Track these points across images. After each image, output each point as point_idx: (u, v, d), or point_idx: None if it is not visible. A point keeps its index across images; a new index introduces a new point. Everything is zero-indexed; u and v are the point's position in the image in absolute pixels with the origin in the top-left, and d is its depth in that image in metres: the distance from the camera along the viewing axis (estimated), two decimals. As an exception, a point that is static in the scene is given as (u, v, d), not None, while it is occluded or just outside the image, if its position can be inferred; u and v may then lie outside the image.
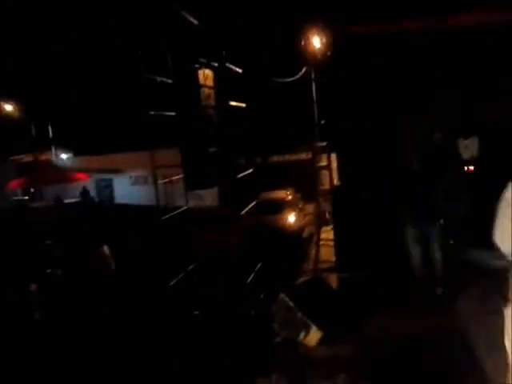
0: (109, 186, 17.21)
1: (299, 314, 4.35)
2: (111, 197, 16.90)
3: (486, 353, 2.67)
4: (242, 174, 7.28)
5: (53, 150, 17.35)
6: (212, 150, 6.26)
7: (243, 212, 7.32)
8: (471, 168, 5.88)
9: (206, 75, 6.04)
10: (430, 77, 5.85)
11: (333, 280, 5.67)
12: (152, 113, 5.85)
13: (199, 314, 5.37)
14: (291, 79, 6.50)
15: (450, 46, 5.65)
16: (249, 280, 6.24)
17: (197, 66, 5.88)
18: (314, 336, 4.24)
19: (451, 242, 5.11)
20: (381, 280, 5.41)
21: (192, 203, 6.57)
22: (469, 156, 5.84)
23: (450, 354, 3.90)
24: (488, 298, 2.95)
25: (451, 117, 5.87)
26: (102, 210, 13.53)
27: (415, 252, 5.07)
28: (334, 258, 6.15)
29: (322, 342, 4.21)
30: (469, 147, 5.94)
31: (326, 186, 7.16)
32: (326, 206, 7.54)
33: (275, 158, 10.72)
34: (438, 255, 5.01)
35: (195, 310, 5.43)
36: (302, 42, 6.28)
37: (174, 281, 5.82)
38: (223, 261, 7.20)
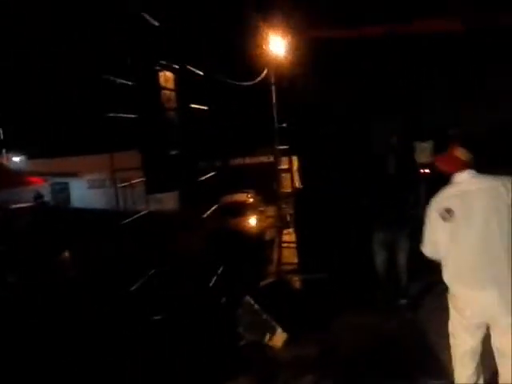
0: (64, 189, 16.72)
1: (264, 317, 4.37)
2: (67, 201, 16.42)
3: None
4: (203, 177, 7.24)
5: (3, 152, 16.71)
6: (173, 152, 6.19)
7: (204, 215, 7.27)
8: (427, 171, 6.09)
9: (166, 77, 5.97)
10: (389, 81, 6.03)
11: (296, 282, 5.73)
12: (111, 115, 5.74)
13: (161, 319, 5.29)
14: (252, 82, 6.52)
15: (408, 51, 5.84)
16: (211, 284, 6.20)
17: (157, 68, 5.81)
18: (279, 338, 4.27)
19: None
20: (343, 281, 5.51)
21: (152, 207, 6.49)
22: (425, 159, 6.05)
23: (412, 353, 4.04)
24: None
25: (408, 121, 6.07)
26: (57, 215, 13.12)
27: (380, 257, 4.99)
28: (296, 260, 6.21)
29: (287, 343, 4.25)
30: (425, 151, 6.14)
31: (287, 189, 7.23)
32: (287, 209, 7.61)
33: (236, 161, 10.74)
34: (403, 262, 4.95)
35: (157, 315, 5.35)
36: (263, 46, 6.32)
37: (135, 286, 5.72)
38: (185, 265, 7.14)
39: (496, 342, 2.91)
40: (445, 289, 3.23)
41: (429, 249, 3.05)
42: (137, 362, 4.25)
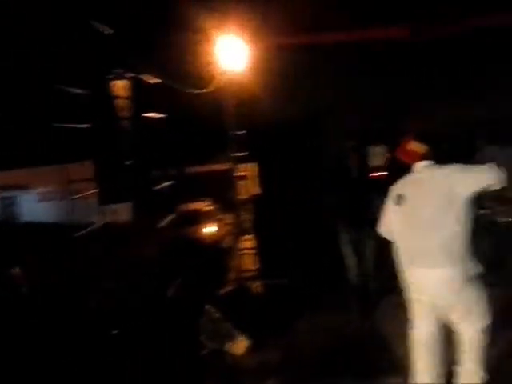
0: (12, 203, 16.02)
1: (226, 324, 4.35)
2: (15, 215, 15.73)
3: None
4: (158, 187, 7.15)
5: None
6: (127, 162, 6.09)
7: (161, 226, 7.18)
8: (381, 174, 6.26)
9: (120, 86, 5.88)
10: (344, 86, 6.18)
11: (257, 288, 5.73)
12: (63, 125, 5.59)
13: (118, 333, 5.16)
14: (208, 90, 6.52)
15: (365, 57, 6.01)
16: (170, 294, 6.11)
17: (110, 76, 5.72)
18: (241, 345, 4.25)
19: None
20: (303, 286, 5.58)
21: (107, 218, 6.34)
22: (377, 163, 6.22)
23: (372, 353, 4.12)
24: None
25: (363, 124, 6.24)
26: (4, 230, 12.56)
27: (352, 259, 5.03)
28: (256, 266, 6.22)
29: (250, 349, 4.24)
30: (377, 154, 6.33)
31: (245, 196, 7.23)
32: (246, 215, 7.61)
33: (192, 169, 10.63)
34: (369, 263, 5.03)
35: (114, 330, 5.21)
36: (218, 52, 6.32)
37: (91, 300, 5.56)
38: (141, 276, 6.99)
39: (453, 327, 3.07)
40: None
41: (383, 229, 3.32)
42: (96, 377, 4.12)
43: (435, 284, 2.99)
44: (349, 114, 6.20)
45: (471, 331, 3.03)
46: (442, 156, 3.12)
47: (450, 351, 3.16)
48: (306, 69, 6.11)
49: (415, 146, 3.17)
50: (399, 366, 3.74)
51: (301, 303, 5.21)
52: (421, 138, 3.16)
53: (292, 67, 6.12)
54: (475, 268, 2.98)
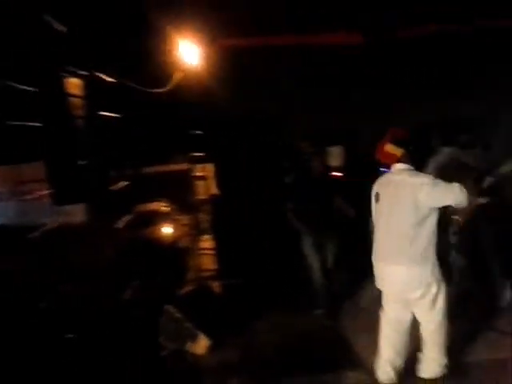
0: (-44, 205, 15.28)
1: (186, 324, 4.34)
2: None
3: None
4: (114, 187, 7.01)
5: None
6: (81, 162, 5.93)
7: (117, 226, 7.04)
8: (338, 174, 6.40)
9: (74, 84, 5.72)
10: (301, 87, 6.27)
11: (216, 288, 5.74)
12: (12, 123, 5.38)
13: (74, 337, 5.03)
14: (164, 89, 6.46)
15: (323, 60, 6.12)
16: (127, 296, 6.01)
17: (64, 74, 5.55)
18: (202, 344, 4.26)
19: None
20: (261, 284, 5.63)
21: (60, 220, 6.15)
22: (336, 163, 6.35)
23: (332, 350, 4.23)
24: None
25: (320, 125, 6.35)
26: None
27: (316, 262, 5.04)
28: (214, 267, 6.22)
29: (210, 349, 4.25)
30: (336, 155, 6.46)
31: (203, 196, 7.21)
32: (204, 216, 7.59)
33: (149, 170, 10.46)
34: (331, 262, 5.12)
35: (69, 333, 5.07)
36: (175, 52, 6.28)
37: (43, 304, 5.38)
38: (97, 279, 6.83)
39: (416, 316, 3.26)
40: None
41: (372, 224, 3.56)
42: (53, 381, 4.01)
43: (396, 280, 3.16)
44: (307, 114, 6.30)
45: (432, 325, 3.19)
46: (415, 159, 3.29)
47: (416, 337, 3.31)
48: (265, 70, 6.16)
49: (391, 149, 3.31)
50: (358, 364, 3.86)
51: (260, 303, 5.26)
52: (396, 142, 3.28)
53: (249, 69, 6.16)
54: (435, 268, 3.14)
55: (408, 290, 3.21)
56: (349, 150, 6.46)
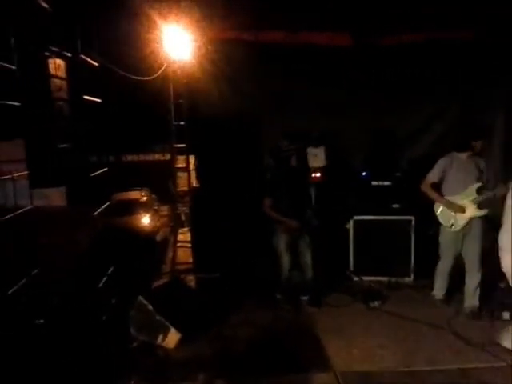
0: None
1: (157, 317, 4.28)
2: None
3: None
4: (94, 173, 6.89)
5: None
6: (61, 145, 5.80)
7: (95, 213, 6.94)
8: (318, 175, 6.42)
9: (57, 65, 5.58)
10: (283, 85, 6.25)
11: (190, 281, 5.70)
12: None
13: (44, 323, 4.93)
14: (149, 78, 6.37)
15: (303, 58, 6.10)
16: (101, 284, 5.93)
17: (47, 54, 5.41)
18: (173, 338, 4.21)
19: None
20: (237, 280, 5.61)
21: (37, 203, 6.02)
22: (317, 164, 6.37)
23: (301, 348, 4.23)
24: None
25: (301, 126, 6.35)
26: None
27: (286, 258, 5.07)
28: (191, 260, 6.18)
29: (181, 343, 4.21)
30: (317, 155, 6.47)
31: (184, 188, 7.15)
32: (183, 208, 7.54)
33: (130, 158, 10.35)
34: (308, 260, 5.13)
35: (39, 319, 4.98)
36: (161, 42, 6.19)
37: (14, 288, 5.26)
38: (72, 265, 6.73)
39: None
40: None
41: None
42: (20, 368, 3.92)
43: None
44: (289, 114, 6.29)
45: None
46: None
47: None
48: (249, 66, 6.13)
49: None
50: (328, 367, 3.87)
51: (234, 298, 5.24)
52: None
53: (235, 63, 6.11)
54: None
55: None
56: (332, 151, 6.48)
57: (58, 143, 5.66)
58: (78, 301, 5.38)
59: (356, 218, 5.82)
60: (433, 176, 4.85)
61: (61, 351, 4.18)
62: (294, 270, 5.22)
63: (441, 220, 4.89)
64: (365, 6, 5.27)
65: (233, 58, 6.04)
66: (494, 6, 5.14)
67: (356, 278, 5.81)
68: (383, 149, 6.71)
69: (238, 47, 6.03)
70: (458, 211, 4.72)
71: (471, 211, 4.68)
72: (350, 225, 5.83)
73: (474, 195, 4.66)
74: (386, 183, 5.95)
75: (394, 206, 5.82)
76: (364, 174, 6.09)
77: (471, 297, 4.82)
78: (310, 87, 6.23)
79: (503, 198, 4.06)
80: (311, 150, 6.55)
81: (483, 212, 4.66)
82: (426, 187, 4.89)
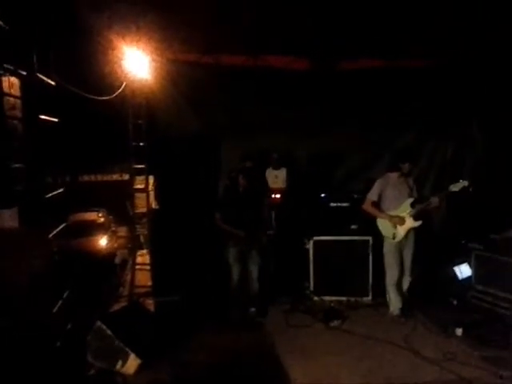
0: None
1: (116, 342, 4.18)
2: None
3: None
4: (49, 194, 6.70)
5: None
6: (14, 165, 5.63)
7: (50, 235, 6.72)
8: (278, 196, 6.50)
9: (11, 83, 5.45)
10: (244, 107, 6.33)
11: (149, 305, 5.59)
12: None
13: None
14: (107, 97, 6.31)
15: (265, 83, 6.21)
16: (55, 309, 5.72)
17: (0, 72, 5.27)
18: (132, 364, 4.11)
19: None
20: (196, 302, 5.57)
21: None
22: (277, 185, 6.47)
23: (261, 366, 4.22)
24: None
25: (262, 147, 6.44)
26: None
27: (235, 270, 5.37)
28: (150, 283, 6.07)
29: (140, 369, 4.11)
30: (278, 177, 6.57)
31: (142, 209, 7.05)
32: (141, 230, 7.42)
33: (87, 178, 10.12)
34: (255, 275, 5.39)
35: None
36: (121, 62, 6.17)
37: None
38: (24, 289, 6.46)
39: None
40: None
41: None
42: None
43: None
44: (249, 136, 6.38)
45: None
46: None
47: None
48: (209, 87, 6.19)
49: None
50: (289, 381, 3.88)
51: (193, 320, 5.20)
52: None
53: (195, 84, 6.16)
54: None
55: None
56: (292, 173, 6.60)
57: (10, 163, 5.49)
58: (29, 326, 5.16)
59: (315, 238, 5.90)
60: (372, 195, 5.33)
61: (11, 380, 3.99)
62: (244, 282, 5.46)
63: (383, 233, 5.34)
64: (323, 31, 5.43)
65: (193, 78, 6.08)
66: (455, 35, 5.44)
67: (316, 298, 5.86)
68: (340, 171, 6.91)
69: (198, 68, 6.09)
70: (398, 223, 5.18)
71: (409, 223, 5.17)
72: (310, 245, 5.90)
73: (409, 209, 5.18)
74: (344, 204, 6.08)
75: (353, 226, 5.95)
76: (323, 195, 6.20)
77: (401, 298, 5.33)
78: (271, 110, 6.33)
79: (437, 209, 4.79)
80: (271, 172, 6.64)
81: (419, 223, 5.15)
82: (367, 206, 5.36)
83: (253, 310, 5.44)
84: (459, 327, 4.78)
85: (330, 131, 6.51)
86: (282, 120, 6.34)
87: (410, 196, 5.24)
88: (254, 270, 5.38)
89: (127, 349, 4.11)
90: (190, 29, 5.38)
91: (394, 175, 5.30)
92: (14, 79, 5.45)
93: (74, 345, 4.45)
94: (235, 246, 5.32)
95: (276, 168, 6.66)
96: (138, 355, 4.12)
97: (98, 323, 4.24)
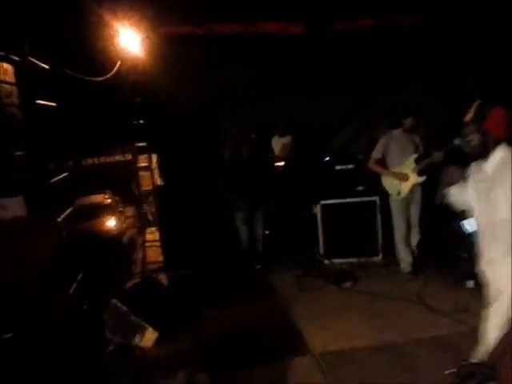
0: None
1: (133, 318, 4.23)
2: None
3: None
4: (53, 179, 6.72)
5: None
6: (16, 153, 5.63)
7: (58, 220, 6.77)
8: (281, 164, 6.49)
9: (5, 70, 5.40)
10: (245, 79, 6.26)
11: (162, 279, 5.65)
12: None
13: (12, 337, 4.79)
14: (104, 78, 6.25)
15: (261, 51, 6.12)
16: (70, 291, 5.81)
17: (-5, 58, 5.22)
18: (149, 337, 4.17)
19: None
20: (208, 275, 5.63)
21: (-5, 214, 5.82)
22: (281, 153, 6.45)
23: (278, 335, 4.27)
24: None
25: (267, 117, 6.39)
26: None
27: (243, 232, 5.89)
28: (161, 258, 6.13)
29: (158, 342, 4.18)
30: (281, 145, 6.54)
31: (147, 187, 7.08)
32: (149, 208, 7.45)
33: (90, 161, 10.09)
34: (259, 235, 5.93)
35: (5, 333, 4.83)
36: (113, 40, 6.08)
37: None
38: (38, 275, 6.55)
39: None
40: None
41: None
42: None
43: None
44: (251, 105, 6.32)
45: None
46: None
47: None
48: (207, 59, 6.10)
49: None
50: (307, 351, 3.93)
51: (207, 292, 5.25)
52: None
53: (193, 57, 6.07)
54: None
55: None
56: (296, 141, 6.57)
57: (12, 151, 5.48)
58: (45, 310, 5.24)
59: (323, 202, 5.91)
60: (376, 153, 5.36)
61: (32, 364, 4.08)
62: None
63: (388, 190, 5.35)
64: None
65: (190, 51, 5.99)
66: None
67: (327, 261, 5.90)
68: (343, 133, 6.85)
69: (195, 41, 6.00)
70: (402, 180, 5.19)
71: (413, 179, 5.16)
72: (318, 210, 5.91)
73: (413, 165, 5.16)
74: (350, 166, 6.07)
75: (359, 188, 5.95)
76: (327, 159, 6.18)
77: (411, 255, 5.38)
78: (271, 76, 6.26)
79: (439, 164, 4.67)
80: (278, 140, 6.61)
81: (423, 178, 5.15)
82: (372, 164, 5.40)
83: (258, 266, 5.88)
84: (470, 279, 4.80)
85: (329, 95, 6.43)
86: (281, 87, 6.26)
87: (415, 152, 5.23)
88: (259, 232, 5.90)
89: (144, 323, 4.17)
90: (181, 1, 5.30)
91: (397, 131, 5.29)
92: (7, 66, 5.40)
93: (91, 324, 4.52)
94: (241, 209, 5.80)
95: (282, 136, 6.64)
96: (155, 328, 4.18)
97: (114, 301, 4.29)
